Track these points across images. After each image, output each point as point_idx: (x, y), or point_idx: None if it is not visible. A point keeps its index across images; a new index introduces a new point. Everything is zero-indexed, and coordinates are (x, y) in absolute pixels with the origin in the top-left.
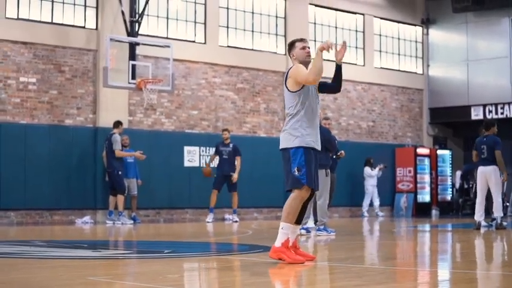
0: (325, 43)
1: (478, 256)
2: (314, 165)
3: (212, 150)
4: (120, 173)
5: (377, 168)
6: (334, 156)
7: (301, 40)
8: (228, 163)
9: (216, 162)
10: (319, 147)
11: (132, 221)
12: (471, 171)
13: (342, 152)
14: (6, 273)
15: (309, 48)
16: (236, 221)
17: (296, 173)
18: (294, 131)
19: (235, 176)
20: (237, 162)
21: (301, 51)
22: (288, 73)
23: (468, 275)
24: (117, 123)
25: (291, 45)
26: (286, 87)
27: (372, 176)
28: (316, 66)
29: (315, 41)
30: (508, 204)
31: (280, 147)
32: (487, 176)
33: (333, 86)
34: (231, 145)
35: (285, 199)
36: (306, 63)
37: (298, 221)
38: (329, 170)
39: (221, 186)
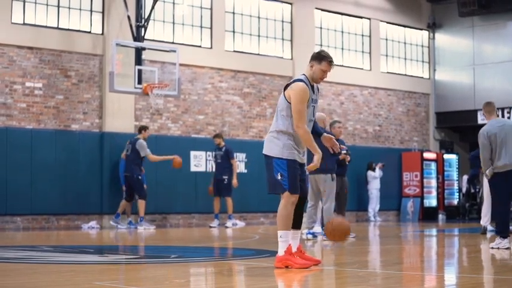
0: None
1: (484, 261)
2: (298, 172)
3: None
4: (140, 177)
5: (377, 168)
6: (332, 154)
7: (330, 63)
8: (221, 167)
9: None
10: (302, 160)
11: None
12: (477, 176)
13: (347, 156)
14: (13, 278)
15: (329, 73)
16: (236, 224)
17: (279, 177)
18: (279, 140)
19: (234, 180)
20: (234, 165)
21: (320, 72)
22: (292, 84)
23: (474, 280)
24: (141, 128)
25: (318, 57)
26: (285, 95)
27: (375, 177)
28: (305, 139)
29: (321, 45)
30: None
31: (264, 152)
32: None
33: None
34: (223, 149)
35: None
36: (315, 81)
37: (297, 225)
38: (335, 175)
39: (219, 191)
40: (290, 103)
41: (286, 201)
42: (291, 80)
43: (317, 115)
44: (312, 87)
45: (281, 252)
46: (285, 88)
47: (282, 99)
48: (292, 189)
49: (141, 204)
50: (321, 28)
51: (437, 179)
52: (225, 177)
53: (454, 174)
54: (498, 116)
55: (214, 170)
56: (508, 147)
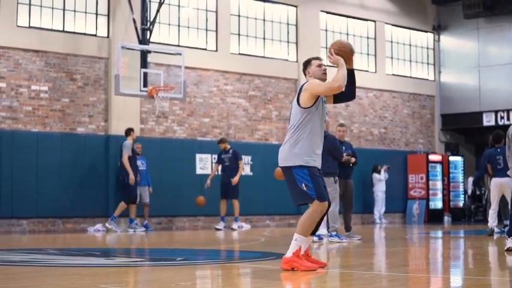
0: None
1: (491, 262)
2: (321, 178)
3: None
4: (124, 179)
5: (382, 171)
6: (342, 161)
7: (317, 58)
8: (228, 170)
9: (219, 170)
10: (318, 165)
11: (143, 228)
12: (483, 178)
13: (351, 158)
14: (18, 281)
15: (325, 66)
16: (241, 227)
17: (304, 188)
18: (296, 148)
19: (235, 178)
20: (240, 166)
21: (317, 69)
22: (302, 87)
23: (481, 282)
24: (128, 131)
25: (306, 63)
26: (298, 102)
27: (381, 179)
28: (342, 73)
29: (326, 48)
30: None
31: (281, 165)
32: (503, 188)
33: (348, 89)
34: (230, 151)
35: (297, 207)
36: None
37: (313, 232)
38: (337, 178)
39: (226, 194)
40: (303, 108)
41: (314, 210)
42: (299, 88)
43: None
44: None
45: (289, 253)
46: (298, 96)
47: (295, 106)
48: (320, 197)
49: (121, 205)
50: (326, 30)
51: (443, 181)
52: (233, 179)
53: (460, 176)
54: None
55: (221, 173)
56: None
